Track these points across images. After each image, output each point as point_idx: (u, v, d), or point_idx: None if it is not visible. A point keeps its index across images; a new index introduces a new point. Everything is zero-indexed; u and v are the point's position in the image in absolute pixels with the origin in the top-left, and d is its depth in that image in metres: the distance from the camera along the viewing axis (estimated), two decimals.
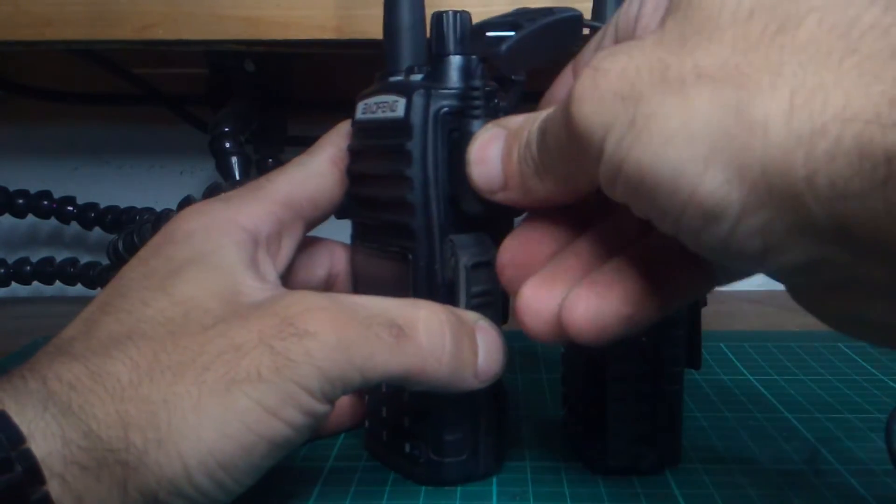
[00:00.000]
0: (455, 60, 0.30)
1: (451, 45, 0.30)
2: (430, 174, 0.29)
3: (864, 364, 0.46)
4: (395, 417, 0.33)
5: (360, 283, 0.34)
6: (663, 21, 0.21)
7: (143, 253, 0.29)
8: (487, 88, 0.30)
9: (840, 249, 0.18)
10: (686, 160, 0.18)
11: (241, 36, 0.44)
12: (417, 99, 0.29)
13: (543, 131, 0.24)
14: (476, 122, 0.28)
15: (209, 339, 0.25)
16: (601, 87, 0.20)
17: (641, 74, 0.19)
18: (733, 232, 0.19)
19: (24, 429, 0.23)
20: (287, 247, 0.32)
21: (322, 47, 0.46)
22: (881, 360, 0.46)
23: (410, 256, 0.30)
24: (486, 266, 0.30)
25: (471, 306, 0.30)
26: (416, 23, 0.32)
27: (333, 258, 0.35)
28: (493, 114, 0.29)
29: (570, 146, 0.22)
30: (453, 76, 0.30)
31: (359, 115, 0.32)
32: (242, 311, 0.26)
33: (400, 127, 0.30)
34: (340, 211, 0.34)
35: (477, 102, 0.29)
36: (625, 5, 0.26)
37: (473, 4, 0.41)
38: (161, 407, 0.24)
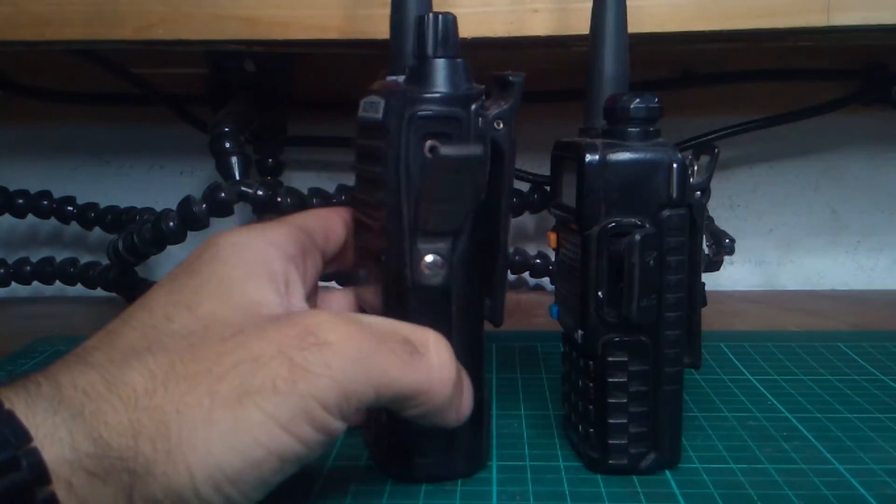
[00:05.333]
0: (435, 63, 0.30)
1: (431, 48, 0.30)
2: (402, 176, 0.30)
3: (864, 364, 0.46)
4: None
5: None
6: None
7: (174, 271, 0.30)
8: (474, 90, 0.30)
9: None
10: None
11: (241, 36, 0.44)
12: (393, 101, 0.30)
13: None
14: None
15: (227, 349, 0.25)
16: None
17: None
18: None
19: (32, 432, 0.23)
20: (311, 267, 0.32)
21: (322, 47, 0.46)
22: (881, 360, 0.46)
23: (383, 258, 0.31)
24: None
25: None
26: None
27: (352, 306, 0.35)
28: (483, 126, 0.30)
29: None
30: (433, 79, 0.30)
31: (360, 112, 0.32)
32: (263, 322, 0.26)
33: (378, 127, 0.30)
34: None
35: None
36: None
37: (474, 4, 0.41)
38: (173, 417, 0.24)
